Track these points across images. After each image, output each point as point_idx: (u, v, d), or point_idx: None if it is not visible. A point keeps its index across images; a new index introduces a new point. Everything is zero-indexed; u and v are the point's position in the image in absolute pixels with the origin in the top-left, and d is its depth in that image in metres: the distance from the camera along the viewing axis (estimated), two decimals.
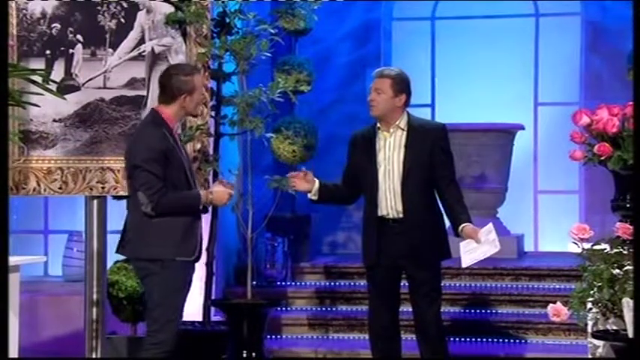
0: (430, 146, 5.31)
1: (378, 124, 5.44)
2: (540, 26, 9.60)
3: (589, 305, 4.33)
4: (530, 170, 9.48)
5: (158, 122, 5.05)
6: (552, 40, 9.53)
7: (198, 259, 5.10)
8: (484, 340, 7.27)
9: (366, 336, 7.53)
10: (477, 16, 9.50)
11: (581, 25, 9.43)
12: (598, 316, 4.35)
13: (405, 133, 5.36)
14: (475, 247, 5.10)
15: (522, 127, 8.90)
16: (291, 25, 7.70)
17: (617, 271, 4.26)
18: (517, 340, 7.30)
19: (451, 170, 5.36)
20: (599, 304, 4.29)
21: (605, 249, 4.32)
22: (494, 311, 7.60)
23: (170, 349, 4.94)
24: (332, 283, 8.11)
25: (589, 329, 4.49)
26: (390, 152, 5.34)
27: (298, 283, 8.16)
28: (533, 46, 9.54)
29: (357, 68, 9.51)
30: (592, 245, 4.33)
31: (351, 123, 9.38)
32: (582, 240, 4.33)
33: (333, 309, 7.88)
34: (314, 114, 8.88)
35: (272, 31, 6.56)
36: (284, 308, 7.76)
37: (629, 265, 4.26)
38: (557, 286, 7.65)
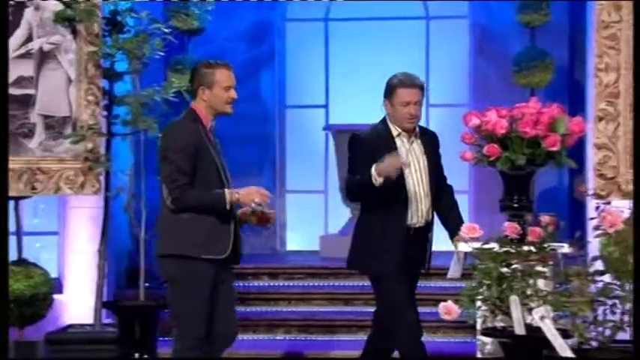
0: (437, 152, 5.24)
1: (399, 130, 5.16)
2: (431, 29, 9.75)
3: (478, 303, 4.40)
4: None
5: (193, 118, 4.91)
6: (442, 42, 9.69)
7: (231, 259, 4.91)
8: None
9: (259, 336, 7.60)
10: (369, 18, 9.59)
11: (469, 28, 9.60)
12: (487, 314, 4.43)
13: (419, 139, 5.21)
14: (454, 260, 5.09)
15: None
16: (184, 25, 7.65)
17: (506, 269, 4.35)
18: None
19: (444, 174, 5.30)
20: (488, 302, 4.38)
21: (494, 248, 4.40)
22: None
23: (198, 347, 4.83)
24: None
25: (478, 327, 4.57)
26: (416, 159, 5.15)
27: None
28: (424, 48, 9.69)
29: (251, 68, 9.51)
30: (482, 244, 4.41)
31: (245, 123, 9.40)
32: (472, 239, 4.42)
33: None
34: None
35: (165, 30, 6.51)
36: None
37: (516, 263, 4.36)
38: (446, 285, 7.77)
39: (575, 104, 7.79)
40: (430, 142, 5.22)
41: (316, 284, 7.95)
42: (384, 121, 5.20)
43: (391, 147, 5.05)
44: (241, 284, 8.08)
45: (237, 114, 9.23)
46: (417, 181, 5.11)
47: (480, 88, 9.32)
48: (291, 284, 8.06)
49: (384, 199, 5.01)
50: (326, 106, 9.76)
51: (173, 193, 4.76)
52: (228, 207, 4.80)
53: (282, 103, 9.70)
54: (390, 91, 5.15)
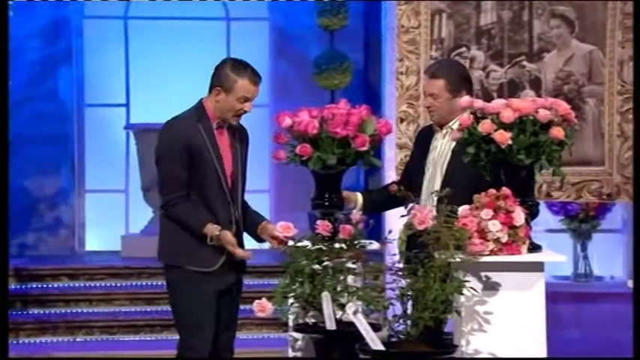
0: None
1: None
2: (232, 30, 9.84)
3: (291, 300, 4.49)
4: None
5: (198, 113, 4.51)
6: (242, 43, 9.79)
7: (240, 268, 4.69)
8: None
9: (60, 338, 7.46)
10: (169, 18, 9.58)
11: (269, 30, 9.76)
12: (299, 310, 4.53)
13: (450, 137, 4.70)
14: None
15: None
16: None
17: (318, 266, 4.46)
18: None
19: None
20: (300, 299, 4.47)
21: (307, 245, 4.50)
22: None
23: None
24: (23, 286, 7.90)
25: (290, 323, 4.66)
26: (438, 156, 4.78)
27: None
28: (224, 48, 9.76)
29: (48, 66, 9.32)
30: (295, 242, 4.50)
31: (42, 122, 9.20)
32: (287, 237, 4.50)
33: (25, 312, 7.68)
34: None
35: None
36: None
37: (328, 260, 4.48)
38: (257, 283, 7.89)
39: (371, 106, 8.06)
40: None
41: (118, 284, 7.90)
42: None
43: (426, 140, 4.82)
44: (39, 286, 7.94)
45: (34, 113, 9.16)
46: (431, 181, 4.79)
47: (281, 89, 9.49)
48: (92, 285, 7.99)
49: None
50: (127, 105, 9.66)
51: (162, 201, 4.49)
52: (208, 241, 4.46)
53: (80, 102, 9.54)
54: None
